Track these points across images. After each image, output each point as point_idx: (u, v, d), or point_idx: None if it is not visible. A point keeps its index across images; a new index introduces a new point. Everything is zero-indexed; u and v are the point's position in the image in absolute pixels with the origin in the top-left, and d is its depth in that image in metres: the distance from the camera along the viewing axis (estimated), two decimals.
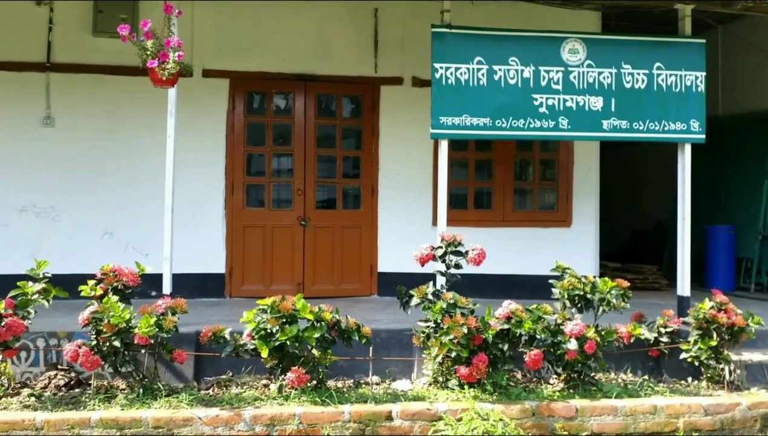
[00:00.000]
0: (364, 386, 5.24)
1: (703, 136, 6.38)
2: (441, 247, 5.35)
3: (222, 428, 4.38)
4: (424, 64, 6.10)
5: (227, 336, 4.82)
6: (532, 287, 6.95)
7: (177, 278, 5.83)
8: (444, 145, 6.08)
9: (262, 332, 4.65)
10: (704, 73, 6.41)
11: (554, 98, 6.23)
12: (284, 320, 4.68)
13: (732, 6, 6.21)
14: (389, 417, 4.62)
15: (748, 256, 8.99)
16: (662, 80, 6.32)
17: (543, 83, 6.23)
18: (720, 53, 9.91)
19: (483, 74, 6.11)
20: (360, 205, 7.84)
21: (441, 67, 6.07)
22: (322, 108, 7.84)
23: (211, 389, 5.03)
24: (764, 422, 5.09)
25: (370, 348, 5.15)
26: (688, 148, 6.37)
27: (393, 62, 7.79)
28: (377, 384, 5.33)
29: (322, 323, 4.76)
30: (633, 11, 8.02)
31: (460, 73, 6.08)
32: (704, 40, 6.48)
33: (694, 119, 6.38)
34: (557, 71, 6.24)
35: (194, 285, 7.13)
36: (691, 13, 6.41)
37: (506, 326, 5.03)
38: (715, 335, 5.46)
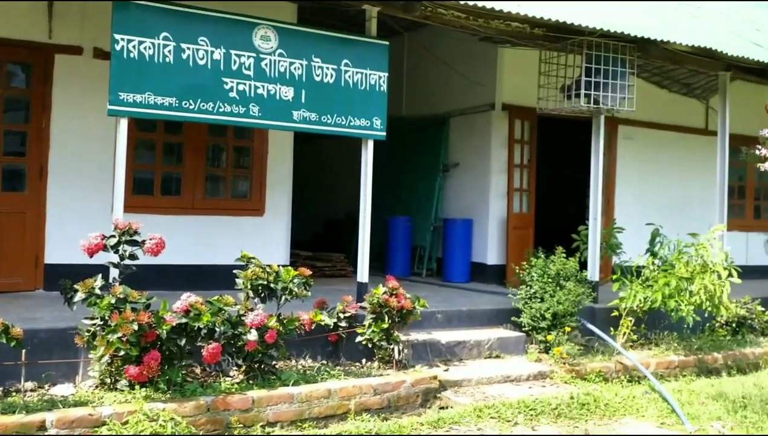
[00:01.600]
0: (14, 394, 4.57)
1: (384, 133, 6.79)
2: (114, 235, 4.89)
3: None
4: (108, 34, 5.52)
5: None
6: (225, 278, 6.73)
7: None
8: (123, 124, 5.57)
9: None
10: (387, 74, 6.81)
11: (245, 84, 6.11)
12: None
13: (412, 12, 6.69)
14: (42, 427, 4.08)
15: (422, 244, 9.96)
16: (349, 77, 6.58)
17: (234, 67, 6.06)
18: (405, 59, 10.79)
19: (170, 51, 5.74)
20: (25, 188, 6.88)
21: (122, 39, 5.55)
22: None
23: None
24: (425, 396, 5.60)
25: (23, 351, 4.50)
26: (370, 144, 6.72)
27: (71, 30, 6.98)
28: (32, 391, 4.69)
29: None
30: (331, 9, 8.27)
31: (145, 48, 5.63)
32: (388, 43, 6.89)
33: (376, 117, 6.75)
34: (249, 57, 6.12)
35: None
36: (378, 16, 6.77)
37: (184, 320, 4.78)
38: (386, 318, 5.86)
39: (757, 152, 8.68)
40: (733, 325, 8.02)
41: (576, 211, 10.16)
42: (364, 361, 5.98)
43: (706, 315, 7.38)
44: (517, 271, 7.26)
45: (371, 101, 6.71)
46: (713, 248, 7.31)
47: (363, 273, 6.52)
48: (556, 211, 11.29)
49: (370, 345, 5.93)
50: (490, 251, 9.37)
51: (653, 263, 7.43)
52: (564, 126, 9.66)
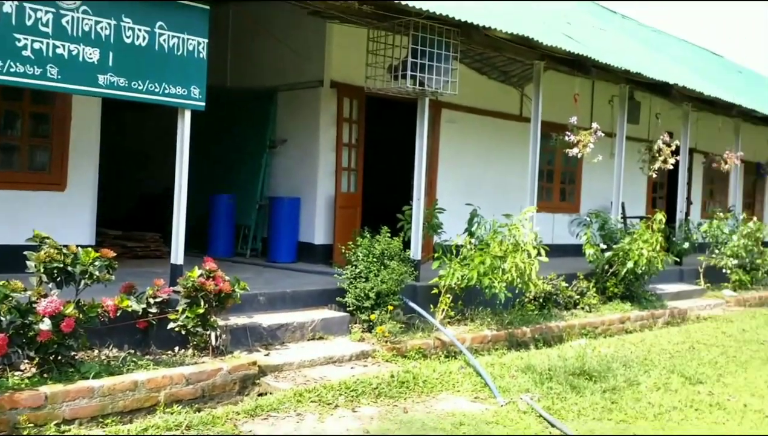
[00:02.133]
0: None
1: (203, 103, 6.35)
2: None
3: None
4: None
5: None
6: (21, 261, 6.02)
7: None
8: None
9: None
10: (207, 40, 6.36)
11: (42, 42, 5.38)
12: None
13: None
14: None
15: (246, 223, 9.59)
16: (164, 41, 6.04)
17: (29, 23, 5.31)
18: (231, 27, 10.27)
19: None
20: None
21: None
22: None
23: None
24: (243, 384, 5.35)
25: None
26: (188, 114, 6.26)
27: None
28: None
29: None
30: None
31: None
32: (208, 7, 6.41)
33: (195, 85, 6.28)
34: (47, 12, 5.39)
35: None
36: None
37: None
38: (203, 302, 5.51)
39: (566, 138, 9.35)
40: (541, 300, 8.57)
41: (403, 192, 10.33)
42: (177, 349, 5.58)
43: (516, 291, 7.81)
44: (344, 251, 7.19)
45: (189, 68, 6.23)
46: (524, 229, 7.71)
47: (177, 254, 6.08)
48: (385, 190, 11.41)
49: (184, 332, 5.54)
50: (317, 230, 9.24)
51: (471, 243, 7.70)
52: (392, 106, 9.74)
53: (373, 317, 6.55)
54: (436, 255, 7.54)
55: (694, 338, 8.42)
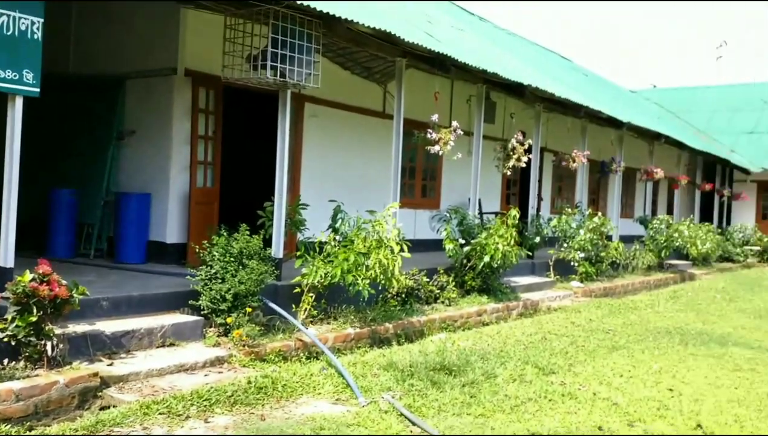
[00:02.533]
0: None
1: (38, 89, 5.74)
2: None
3: None
4: None
5: None
6: None
7: None
8: None
9: None
10: (42, 20, 5.75)
11: None
12: None
13: None
14: None
15: (90, 221, 8.83)
16: None
17: None
18: (75, 7, 9.43)
19: None
20: None
21: None
22: None
23: None
24: (82, 397, 4.88)
25: None
26: (19, 101, 5.64)
27: None
28: None
29: None
30: None
31: None
32: None
33: (27, 69, 5.67)
34: None
35: None
36: None
37: None
38: (35, 309, 4.96)
39: (428, 136, 9.45)
40: (403, 296, 8.60)
41: (266, 187, 9.99)
42: (7, 362, 4.97)
43: (380, 288, 7.77)
44: (198, 250, 6.79)
45: (21, 50, 5.61)
46: (388, 225, 7.69)
47: (6, 256, 5.44)
48: (246, 186, 11.00)
49: (14, 342, 4.96)
50: (170, 228, 8.69)
51: (334, 239, 7.57)
52: (254, 98, 9.39)
53: (229, 320, 6.22)
54: (298, 253, 7.32)
55: (545, 329, 8.80)
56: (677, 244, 16.12)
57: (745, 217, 25.40)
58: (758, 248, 22.90)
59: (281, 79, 7.25)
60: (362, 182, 11.19)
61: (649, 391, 6.08)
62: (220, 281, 6.44)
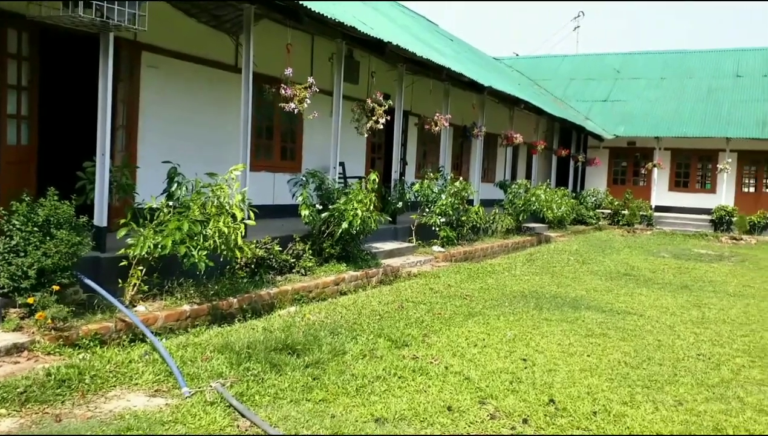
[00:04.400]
0: None
1: None
2: None
3: None
4: None
5: None
6: None
7: None
8: None
9: None
10: None
11: None
12: None
13: None
14: None
15: None
16: None
17: None
18: None
19: None
20: None
21: None
22: None
23: None
24: None
25: None
26: None
27: None
28: None
29: None
30: None
31: None
32: None
33: None
34: None
35: None
36: None
37: None
38: None
39: (282, 92, 8.71)
40: (252, 266, 7.92)
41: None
42: None
43: (223, 259, 7.04)
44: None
45: None
46: (231, 189, 6.94)
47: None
48: (76, 144, 9.73)
49: None
50: None
51: (168, 206, 6.72)
52: (83, 43, 8.17)
53: (31, 300, 5.28)
54: (123, 221, 6.42)
55: (403, 296, 8.46)
56: (534, 208, 16.46)
57: (597, 181, 26.70)
58: (609, 211, 24.15)
59: (101, 20, 6.23)
60: (216, 142, 10.26)
61: (502, 362, 5.84)
62: (21, 254, 5.45)
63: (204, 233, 6.45)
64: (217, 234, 6.49)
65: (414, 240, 12.10)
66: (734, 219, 22.15)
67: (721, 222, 22.67)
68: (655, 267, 13.15)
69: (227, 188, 6.89)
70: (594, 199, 23.86)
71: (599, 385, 5.35)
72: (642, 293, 10.02)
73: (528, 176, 22.33)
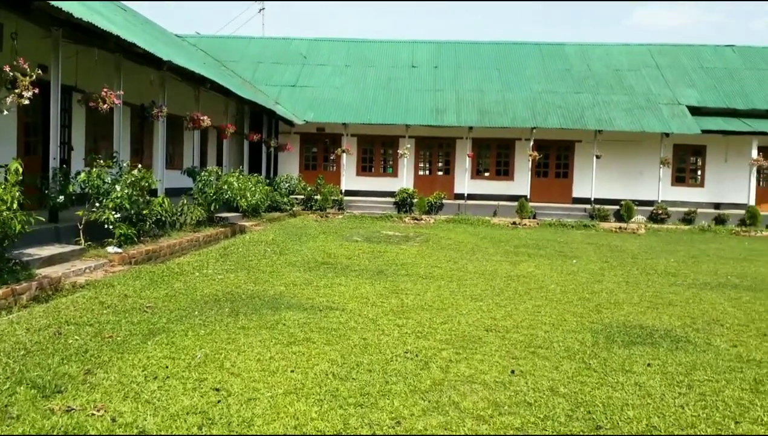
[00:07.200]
0: None
1: None
2: None
3: None
4: None
5: None
6: None
7: None
8: None
9: None
10: None
11: None
12: None
13: None
14: None
15: None
16: None
17: None
18: None
19: None
20: None
21: None
22: None
23: None
24: None
25: None
26: None
27: None
28: None
29: None
30: None
31: None
32: None
33: None
34: None
35: None
36: None
37: None
38: None
39: None
40: None
41: None
42: None
43: None
44: None
45: None
46: None
47: None
48: None
49: None
50: None
51: None
52: None
53: None
54: None
55: (63, 317, 6.69)
56: (227, 196, 15.33)
57: (290, 167, 26.51)
58: (302, 196, 24.07)
59: None
60: None
61: (189, 398, 4.63)
62: None
63: None
64: None
65: (83, 242, 10.08)
66: (415, 201, 23.62)
67: (404, 204, 24.04)
68: (350, 253, 12.98)
69: None
70: (288, 185, 23.56)
71: (307, 412, 4.47)
72: (341, 282, 9.56)
73: (219, 163, 21.09)
